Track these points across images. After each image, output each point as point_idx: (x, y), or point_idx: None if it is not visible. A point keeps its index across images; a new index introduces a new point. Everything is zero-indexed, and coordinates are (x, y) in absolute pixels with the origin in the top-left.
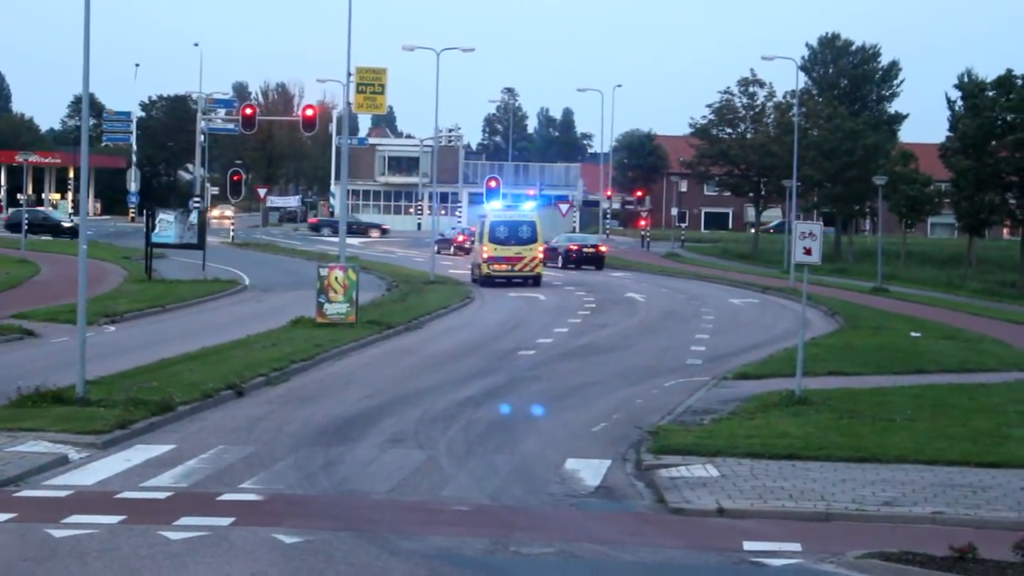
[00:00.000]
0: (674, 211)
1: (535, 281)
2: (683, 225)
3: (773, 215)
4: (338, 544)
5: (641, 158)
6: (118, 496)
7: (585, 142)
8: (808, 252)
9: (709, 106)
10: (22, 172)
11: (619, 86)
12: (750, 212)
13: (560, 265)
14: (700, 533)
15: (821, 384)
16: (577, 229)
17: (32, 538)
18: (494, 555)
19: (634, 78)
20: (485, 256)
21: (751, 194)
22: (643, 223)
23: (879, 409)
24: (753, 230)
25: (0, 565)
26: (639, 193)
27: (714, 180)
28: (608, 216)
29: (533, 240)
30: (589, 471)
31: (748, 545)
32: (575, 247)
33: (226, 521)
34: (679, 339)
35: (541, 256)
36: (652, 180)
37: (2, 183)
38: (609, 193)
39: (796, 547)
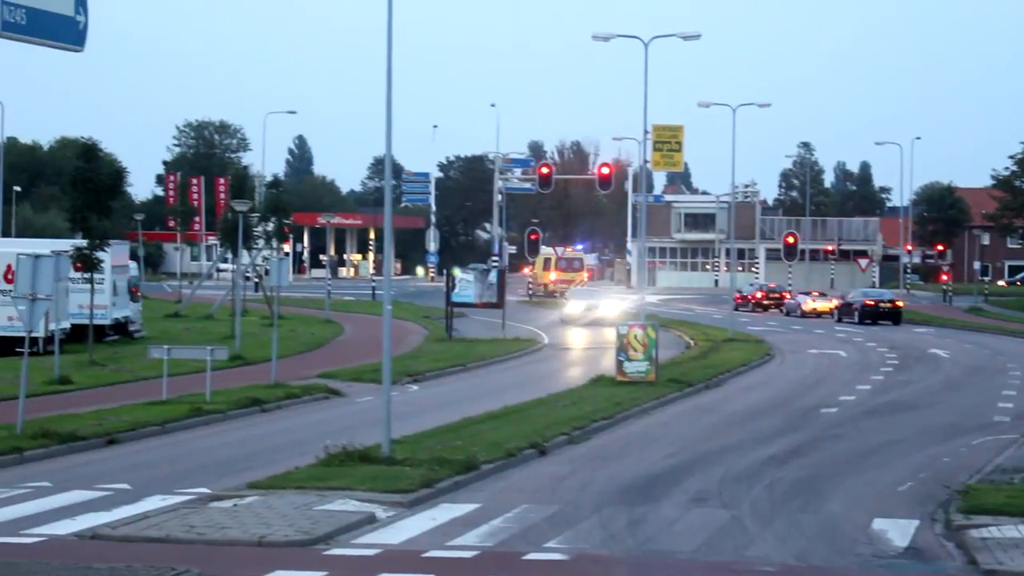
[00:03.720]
0: (976, 265)
1: None
2: (986, 279)
3: None
4: None
5: (941, 211)
6: (425, 555)
7: (883, 195)
8: None
9: (1011, 157)
10: (324, 233)
11: (918, 138)
12: None
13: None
14: None
15: None
16: (877, 284)
17: None
18: None
19: (933, 130)
20: (553, 279)
21: None
22: (944, 277)
23: None
24: None
25: None
26: (940, 247)
27: (1018, 233)
28: (908, 270)
29: (581, 269)
30: (897, 531)
31: None
32: (871, 302)
33: None
34: (985, 396)
35: (586, 278)
36: (953, 233)
37: (306, 244)
38: (909, 247)
39: None
